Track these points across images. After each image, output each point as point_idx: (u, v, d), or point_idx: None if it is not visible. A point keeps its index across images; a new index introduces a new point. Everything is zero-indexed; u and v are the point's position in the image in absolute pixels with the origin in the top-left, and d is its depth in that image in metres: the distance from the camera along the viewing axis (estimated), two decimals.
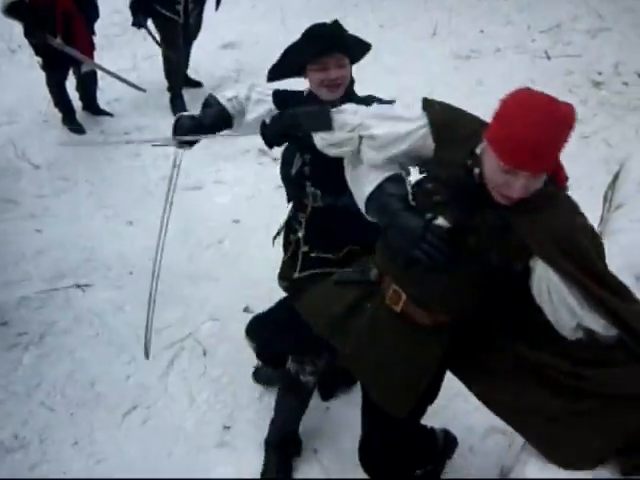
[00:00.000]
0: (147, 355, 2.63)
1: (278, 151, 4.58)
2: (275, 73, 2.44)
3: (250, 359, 3.14)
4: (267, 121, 2.16)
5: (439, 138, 1.85)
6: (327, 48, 2.28)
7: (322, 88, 2.31)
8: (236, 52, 6.37)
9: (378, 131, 1.95)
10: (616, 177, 3.25)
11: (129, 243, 3.93)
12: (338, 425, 2.82)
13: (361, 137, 2.00)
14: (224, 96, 2.53)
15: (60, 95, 5.01)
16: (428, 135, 1.87)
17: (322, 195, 2.45)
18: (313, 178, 2.45)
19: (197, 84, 5.74)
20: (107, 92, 5.41)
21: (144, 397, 2.93)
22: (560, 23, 6.59)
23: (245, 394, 2.99)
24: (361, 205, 2.05)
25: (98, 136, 5.05)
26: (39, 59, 4.81)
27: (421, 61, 6.05)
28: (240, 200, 4.33)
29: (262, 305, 3.44)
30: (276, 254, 3.77)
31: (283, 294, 3.36)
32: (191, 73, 5.70)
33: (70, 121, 5.08)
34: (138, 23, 5.07)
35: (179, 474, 2.62)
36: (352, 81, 2.42)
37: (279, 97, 2.50)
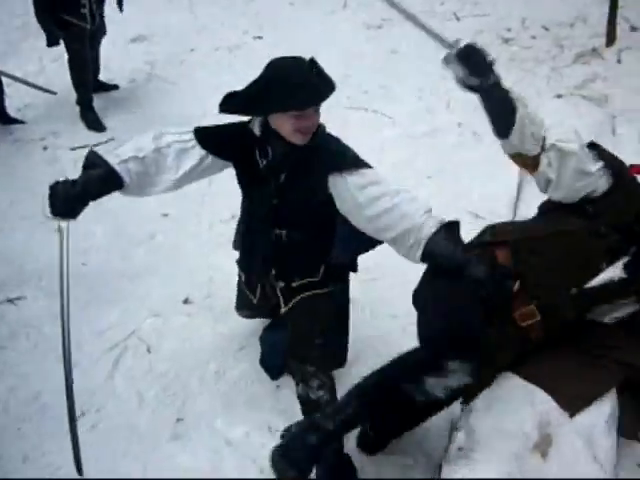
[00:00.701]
0: (80, 471, 2.40)
1: None
2: (232, 108, 2.21)
3: (197, 350, 3.13)
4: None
5: (617, 187, 2.02)
6: (314, 100, 2.15)
7: (297, 134, 2.18)
8: (146, 45, 6.23)
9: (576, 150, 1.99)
10: None
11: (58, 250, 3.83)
12: (291, 400, 2.85)
13: (545, 149, 2.01)
14: (118, 156, 2.23)
15: None
16: (606, 178, 2.03)
17: (287, 233, 2.37)
18: (281, 220, 2.35)
19: (112, 87, 5.53)
20: (16, 99, 5.20)
21: (92, 402, 2.88)
22: None
23: (195, 385, 2.97)
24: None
25: (11, 145, 4.87)
26: None
27: (335, 35, 6.07)
28: (167, 193, 4.25)
29: (202, 294, 3.45)
30: (210, 242, 3.78)
31: (222, 280, 3.38)
32: (102, 70, 5.53)
33: None
34: (54, 42, 4.80)
35: (137, 473, 2.60)
36: None
37: (205, 135, 2.28)
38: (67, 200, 2.18)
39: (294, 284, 2.46)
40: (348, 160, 2.22)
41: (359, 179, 2.16)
